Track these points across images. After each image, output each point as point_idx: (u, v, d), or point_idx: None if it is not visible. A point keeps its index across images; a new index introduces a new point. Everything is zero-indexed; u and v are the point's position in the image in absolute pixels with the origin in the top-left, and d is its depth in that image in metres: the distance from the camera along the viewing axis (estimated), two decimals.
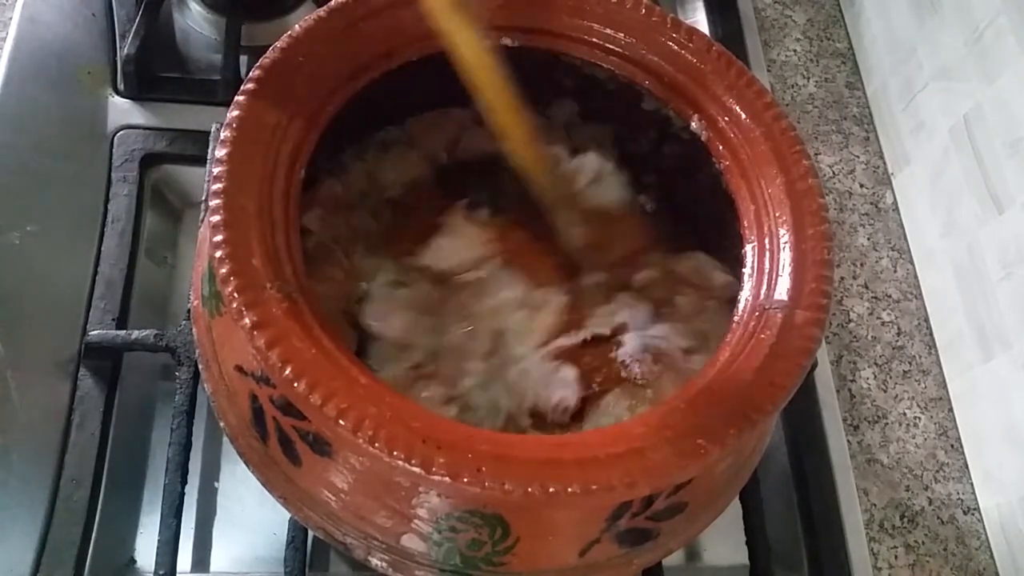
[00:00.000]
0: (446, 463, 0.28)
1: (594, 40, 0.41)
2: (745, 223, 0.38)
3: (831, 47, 0.73)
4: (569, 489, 0.28)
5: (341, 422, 0.29)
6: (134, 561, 0.47)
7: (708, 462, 0.31)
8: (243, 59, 0.59)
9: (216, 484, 0.49)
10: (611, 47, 0.41)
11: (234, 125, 0.33)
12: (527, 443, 0.31)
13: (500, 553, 0.33)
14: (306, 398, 0.29)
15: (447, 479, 0.28)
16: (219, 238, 0.31)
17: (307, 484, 0.34)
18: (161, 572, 0.41)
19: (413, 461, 0.28)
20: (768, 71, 0.69)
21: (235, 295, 0.30)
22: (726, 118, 0.39)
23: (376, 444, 0.28)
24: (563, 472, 0.29)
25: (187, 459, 0.44)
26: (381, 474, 0.32)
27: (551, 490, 0.28)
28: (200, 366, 0.38)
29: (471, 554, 0.33)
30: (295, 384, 0.29)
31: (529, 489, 0.28)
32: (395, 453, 0.28)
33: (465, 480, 0.28)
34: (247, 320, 0.30)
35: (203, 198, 0.50)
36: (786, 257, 0.36)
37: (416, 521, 0.33)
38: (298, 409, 0.31)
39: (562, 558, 0.34)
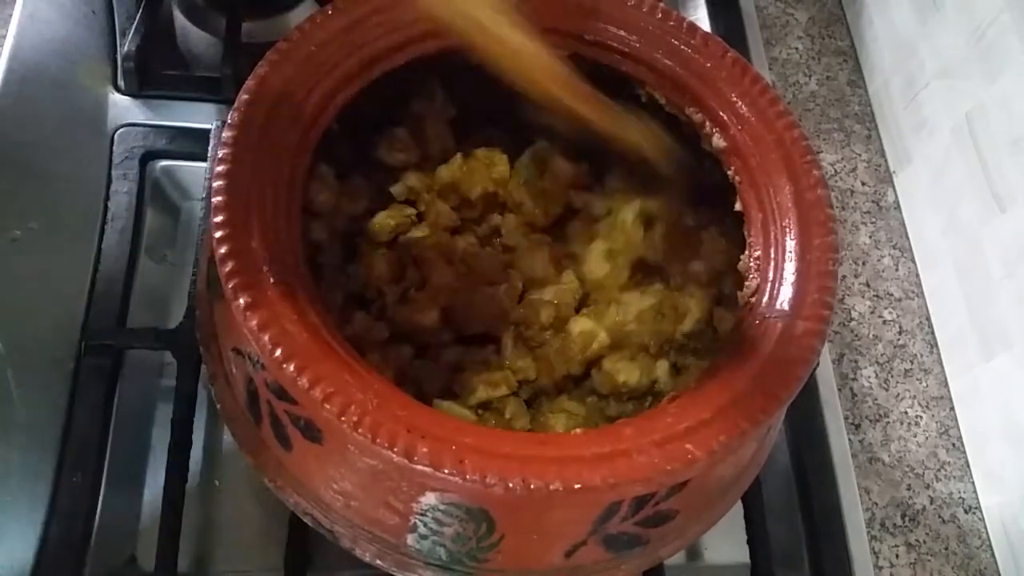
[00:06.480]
0: (428, 453, 0.28)
1: (607, 43, 0.40)
2: (751, 230, 0.38)
3: (833, 45, 0.73)
4: (551, 486, 0.28)
5: (327, 406, 0.29)
6: (134, 560, 0.46)
7: (695, 468, 0.30)
8: (242, 57, 0.58)
9: (216, 483, 0.49)
10: (624, 50, 0.40)
11: (236, 124, 0.33)
12: (513, 438, 0.31)
13: (485, 549, 0.33)
14: (294, 380, 0.29)
15: (428, 469, 0.28)
16: (219, 219, 0.31)
17: (297, 469, 0.34)
18: (161, 572, 0.41)
19: (396, 449, 0.28)
20: (770, 69, 0.69)
21: (231, 276, 0.30)
22: (738, 124, 0.39)
23: (360, 430, 0.28)
24: (547, 469, 0.29)
25: (187, 458, 0.44)
26: (367, 462, 0.32)
27: (532, 486, 0.28)
28: (201, 348, 0.38)
29: (456, 548, 0.33)
30: (284, 366, 0.29)
31: (510, 484, 0.28)
32: (378, 440, 0.28)
33: (446, 471, 0.28)
34: (241, 301, 0.30)
35: (204, 195, 0.50)
36: (790, 267, 0.36)
37: (402, 511, 0.32)
38: (290, 394, 0.31)
39: (547, 559, 0.34)
